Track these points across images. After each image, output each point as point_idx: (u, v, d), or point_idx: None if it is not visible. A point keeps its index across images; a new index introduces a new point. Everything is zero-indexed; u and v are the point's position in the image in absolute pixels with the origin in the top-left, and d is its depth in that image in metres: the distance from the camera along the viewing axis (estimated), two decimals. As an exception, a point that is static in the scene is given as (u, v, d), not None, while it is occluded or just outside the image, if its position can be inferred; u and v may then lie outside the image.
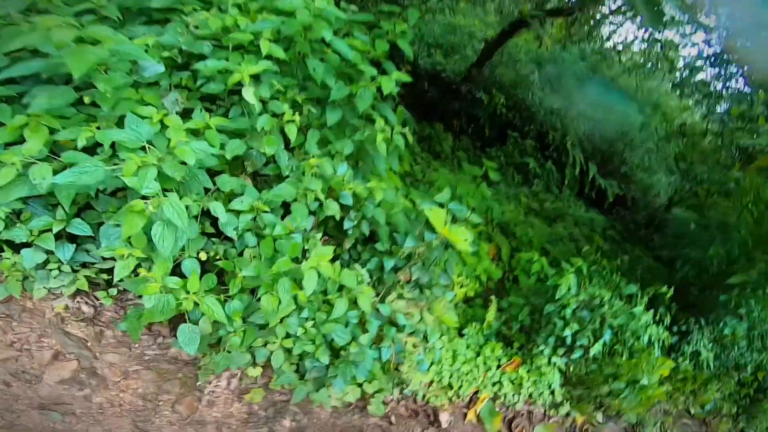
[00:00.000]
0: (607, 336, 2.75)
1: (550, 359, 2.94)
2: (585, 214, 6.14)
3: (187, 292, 1.68)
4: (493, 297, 3.25)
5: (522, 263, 3.89)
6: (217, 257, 1.95)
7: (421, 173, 4.45)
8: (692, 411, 4.17)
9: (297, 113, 1.81)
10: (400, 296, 2.44)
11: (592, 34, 7.83)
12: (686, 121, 8.82)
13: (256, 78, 1.73)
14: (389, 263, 2.28)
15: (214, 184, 1.75)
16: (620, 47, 8.28)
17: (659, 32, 6.85)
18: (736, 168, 4.54)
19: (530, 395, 3.05)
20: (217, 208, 1.68)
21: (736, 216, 3.44)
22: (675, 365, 3.61)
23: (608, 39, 8.31)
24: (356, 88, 1.93)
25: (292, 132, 1.71)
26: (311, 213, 1.96)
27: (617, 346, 2.85)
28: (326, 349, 2.12)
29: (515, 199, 5.38)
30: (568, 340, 2.79)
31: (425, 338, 2.51)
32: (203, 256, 1.93)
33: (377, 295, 2.30)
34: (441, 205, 2.36)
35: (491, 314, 3.11)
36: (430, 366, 2.55)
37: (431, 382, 2.75)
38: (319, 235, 2.04)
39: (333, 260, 2.27)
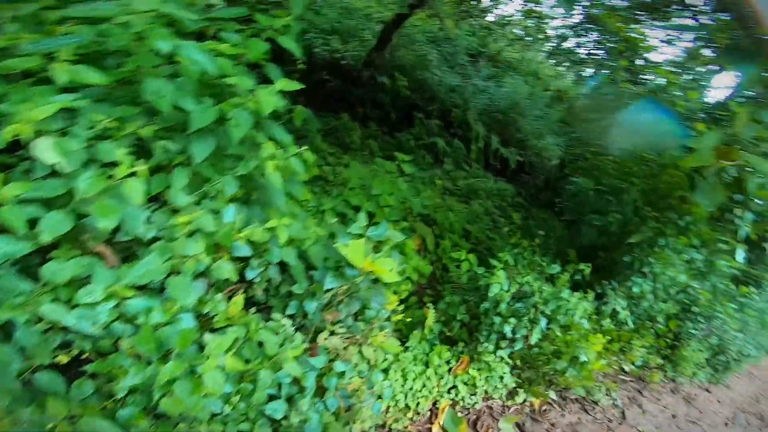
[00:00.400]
0: (543, 323, 2.83)
1: (495, 353, 2.97)
2: (494, 185, 6.37)
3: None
4: (429, 305, 3.17)
5: (450, 261, 3.83)
6: (85, 355, 1.43)
7: (333, 174, 4.11)
8: (626, 369, 4.62)
9: (142, 158, 1.30)
10: (333, 333, 2.15)
11: (479, 9, 8.04)
12: (561, 86, 9.74)
13: (69, 112, 1.16)
14: (311, 305, 1.95)
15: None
16: (504, 21, 8.64)
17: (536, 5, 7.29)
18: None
19: (486, 392, 3.11)
20: (52, 313, 1.17)
21: (624, 177, 3.74)
22: (600, 327, 3.91)
23: (493, 13, 8.63)
24: (227, 108, 1.48)
25: (134, 190, 1.22)
26: (201, 274, 1.53)
27: (552, 324, 2.96)
28: (266, 423, 1.76)
29: (430, 182, 5.34)
30: (509, 333, 2.82)
31: (370, 373, 2.26)
32: (64, 359, 1.41)
33: (305, 341, 1.96)
34: (360, 235, 2.09)
35: (430, 319, 3.01)
36: (382, 403, 2.34)
37: (388, 408, 2.62)
38: (219, 296, 1.62)
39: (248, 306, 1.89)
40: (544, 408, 3.40)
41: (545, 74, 9.94)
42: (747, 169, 1.61)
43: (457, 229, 4.52)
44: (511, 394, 3.24)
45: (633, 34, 6.02)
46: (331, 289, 1.94)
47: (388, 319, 2.54)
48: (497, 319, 2.87)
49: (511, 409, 3.21)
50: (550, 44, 8.78)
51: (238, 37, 1.83)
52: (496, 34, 8.99)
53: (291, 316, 2.01)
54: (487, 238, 4.78)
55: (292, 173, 1.75)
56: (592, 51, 7.35)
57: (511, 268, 3.13)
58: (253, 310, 1.93)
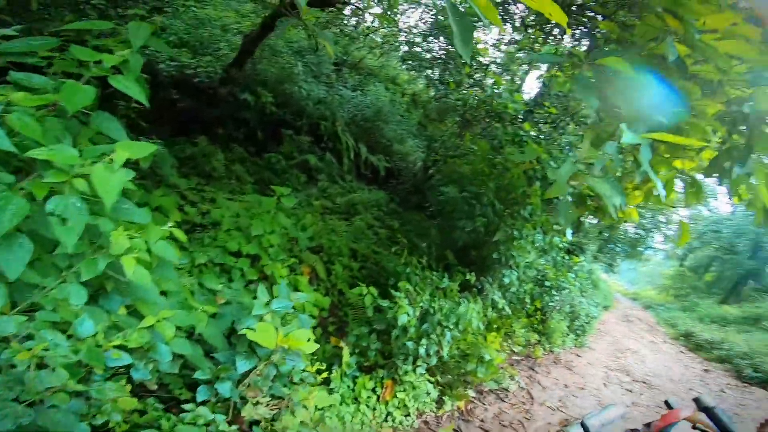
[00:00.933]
0: (448, 336, 3.10)
1: (415, 371, 3.14)
2: (369, 195, 6.58)
3: None
4: (343, 344, 3.15)
5: (346, 287, 3.86)
6: None
7: (199, 214, 3.70)
8: (516, 350, 5.27)
9: None
10: (258, 403, 1.98)
11: (341, 17, 8.11)
12: (415, 90, 10.53)
13: None
14: (225, 387, 1.76)
15: None
16: (365, 29, 8.91)
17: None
18: (467, 137, 5.61)
19: (418, 409, 3.22)
20: None
21: (482, 180, 4.29)
22: (487, 318, 4.41)
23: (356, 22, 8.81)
24: (40, 193, 1.14)
25: None
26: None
27: (456, 333, 3.28)
28: None
29: (308, 205, 5.26)
30: (423, 353, 3.02)
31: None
32: None
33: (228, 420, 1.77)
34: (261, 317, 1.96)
35: (346, 356, 3.01)
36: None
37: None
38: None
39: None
40: (469, 407, 3.65)
41: (402, 79, 10.60)
42: (588, 190, 2.01)
43: (344, 251, 4.56)
44: (439, 403, 3.41)
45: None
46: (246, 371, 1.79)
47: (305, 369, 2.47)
48: (410, 344, 3.02)
49: (444, 418, 3.38)
50: (404, 50, 9.33)
51: (45, 79, 1.44)
52: (358, 42, 9.26)
53: (204, 402, 1.80)
54: (373, 254, 4.95)
55: (160, 260, 1.51)
56: (438, 56, 8.01)
57: (410, 293, 3.31)
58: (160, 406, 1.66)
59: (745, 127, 2.29)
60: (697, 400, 1.27)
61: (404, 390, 3.16)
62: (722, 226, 24.69)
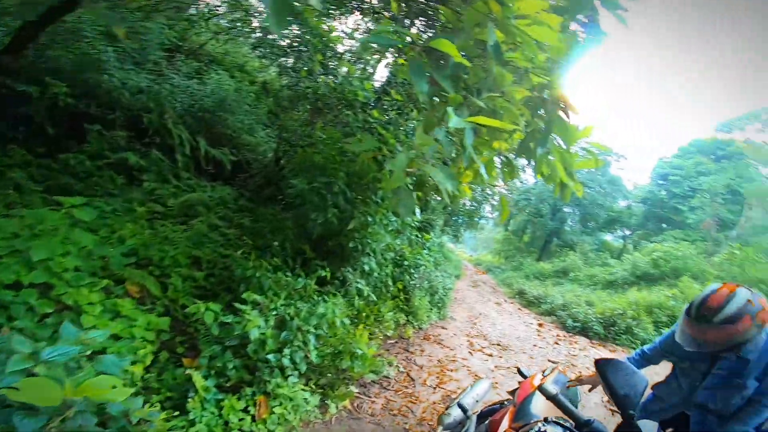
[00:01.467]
0: (312, 340, 2.83)
1: (286, 381, 2.81)
2: (212, 192, 5.86)
3: None
4: (193, 371, 2.59)
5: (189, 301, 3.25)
6: None
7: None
8: (389, 334, 5.25)
9: None
10: None
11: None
12: (266, 78, 9.88)
13: None
14: None
15: None
16: (204, 13, 7.86)
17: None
18: (318, 125, 5.40)
19: (301, 419, 2.90)
20: None
21: (333, 168, 4.15)
22: (353, 307, 4.29)
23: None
24: None
25: None
26: None
27: (320, 332, 3.03)
28: None
29: (129, 212, 4.32)
30: (288, 363, 2.68)
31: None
32: None
33: None
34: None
35: (199, 381, 2.49)
36: None
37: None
38: None
39: None
40: (356, 404, 3.46)
41: (252, 66, 9.71)
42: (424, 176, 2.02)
43: (182, 261, 3.89)
44: (323, 408, 3.15)
45: (325, 27, 6.57)
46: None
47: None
48: (272, 356, 2.69)
49: (332, 421, 3.13)
50: (256, 36, 8.58)
51: None
52: (198, 27, 8.10)
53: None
54: (221, 258, 4.36)
55: None
56: (292, 43, 7.61)
57: (261, 302, 2.95)
58: None
59: (543, 112, 2.58)
60: (542, 389, 1.34)
61: (280, 403, 2.85)
62: (530, 194, 30.38)
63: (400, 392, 3.91)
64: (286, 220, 5.02)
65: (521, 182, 30.69)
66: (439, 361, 5.09)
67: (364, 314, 4.55)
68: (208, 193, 5.78)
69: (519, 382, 2.38)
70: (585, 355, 7.24)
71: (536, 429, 1.33)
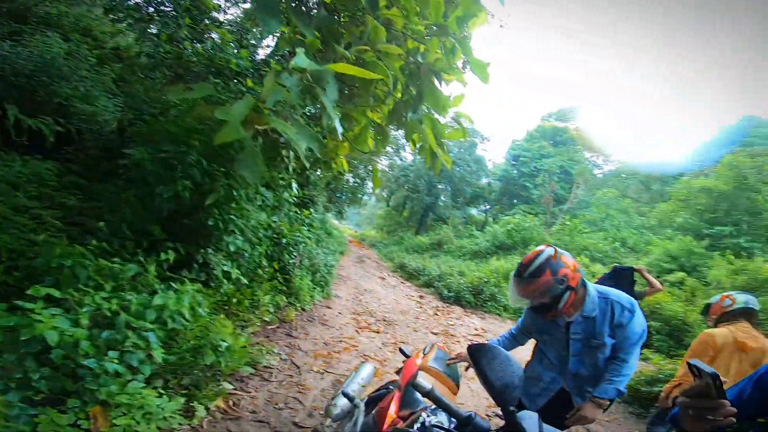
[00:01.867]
0: (152, 337, 2.19)
1: (126, 386, 2.19)
2: (22, 168, 4.47)
3: None
4: None
5: None
6: None
7: None
8: (267, 320, 4.63)
9: None
10: None
11: None
12: (120, 44, 8.18)
13: None
14: None
15: None
16: None
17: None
18: (174, 91, 4.44)
19: (159, 428, 2.31)
20: None
21: (185, 139, 3.39)
22: (220, 293, 3.64)
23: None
24: None
25: None
26: None
27: (174, 324, 2.39)
28: None
29: None
30: (121, 369, 2.01)
31: None
32: None
33: None
34: None
35: None
36: None
37: None
38: None
39: None
40: (232, 402, 2.90)
41: (102, 30, 8.04)
42: (275, 133, 1.58)
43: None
44: (189, 411, 2.56)
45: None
46: None
47: None
48: (92, 362, 2.00)
49: (204, 425, 2.58)
50: None
51: None
52: None
53: None
54: (29, 247, 3.28)
55: None
56: (158, 7, 6.32)
57: (69, 297, 2.18)
58: None
59: (418, 81, 2.40)
60: (415, 386, 1.17)
61: (124, 413, 2.22)
62: (409, 171, 32.02)
63: (284, 383, 3.51)
64: (129, 199, 4.05)
65: (401, 160, 32.10)
66: (325, 343, 4.80)
67: (234, 300, 3.96)
68: (15, 169, 4.34)
69: (402, 362, 2.30)
70: (461, 324, 7.83)
71: (421, 420, 1.20)
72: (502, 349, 1.09)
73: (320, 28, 2.18)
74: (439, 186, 33.62)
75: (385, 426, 1.49)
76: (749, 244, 14.01)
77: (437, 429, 1.13)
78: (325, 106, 1.48)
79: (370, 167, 16.74)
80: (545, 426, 1.09)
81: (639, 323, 1.94)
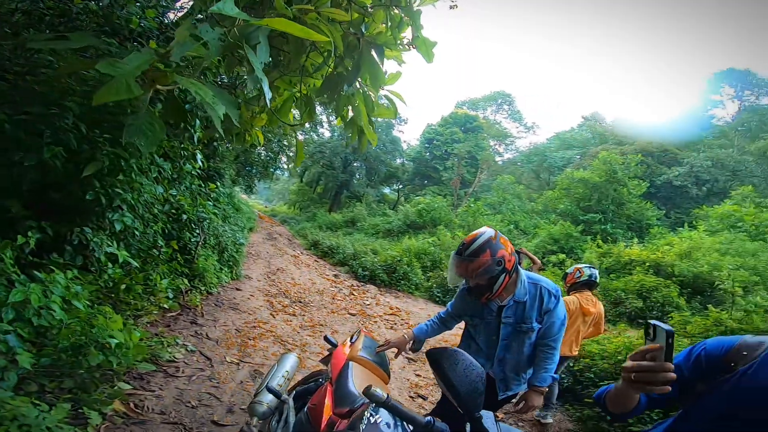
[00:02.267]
0: (13, 340, 1.72)
1: None
2: None
3: None
4: None
5: None
6: None
7: None
8: (166, 306, 3.99)
9: None
10: None
11: None
12: None
13: None
14: None
15: None
16: None
17: None
18: (39, 37, 3.49)
19: None
20: None
21: (58, 101, 2.69)
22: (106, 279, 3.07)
23: None
24: None
25: None
26: None
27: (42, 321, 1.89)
28: None
29: None
30: None
31: None
32: None
33: None
34: None
35: None
36: None
37: None
38: None
39: None
40: (134, 404, 2.45)
41: None
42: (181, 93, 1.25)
43: None
44: (80, 419, 2.13)
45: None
46: None
47: None
48: None
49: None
50: None
51: None
52: None
53: None
54: None
55: None
56: None
57: None
58: None
59: (356, 54, 2.21)
60: (370, 395, 1.05)
61: None
62: (325, 147, 31.33)
63: (194, 377, 3.10)
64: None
65: (317, 135, 31.12)
66: (237, 330, 4.38)
67: (122, 287, 3.38)
68: None
69: (328, 350, 2.25)
70: (376, 303, 7.86)
71: (366, 418, 1.10)
72: (466, 354, 1.03)
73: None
74: (355, 164, 33.54)
75: (323, 424, 1.39)
76: (614, 230, 16.58)
77: (386, 428, 1.04)
78: (254, 68, 1.19)
79: (285, 141, 15.84)
80: (501, 424, 1.07)
81: (563, 310, 2.02)
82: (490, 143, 37.41)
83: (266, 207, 42.93)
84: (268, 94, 1.14)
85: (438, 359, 0.99)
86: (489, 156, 32.79)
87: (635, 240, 14.37)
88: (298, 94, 2.49)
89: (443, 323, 2.28)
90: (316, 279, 9.02)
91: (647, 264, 11.04)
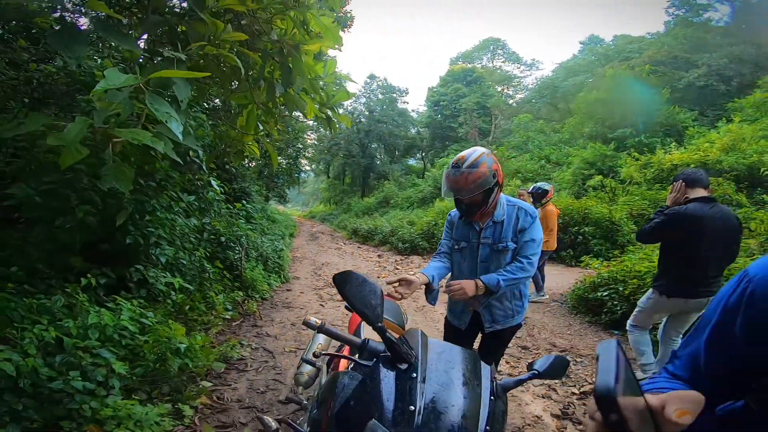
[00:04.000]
0: (106, 353, 2.08)
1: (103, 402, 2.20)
2: None
3: None
4: None
5: None
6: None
7: None
8: (228, 317, 4.38)
9: None
10: None
11: None
12: None
13: None
14: None
15: None
16: None
17: None
18: (10, 125, 3.78)
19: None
20: None
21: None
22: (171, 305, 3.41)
23: None
24: None
25: None
26: None
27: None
28: None
29: None
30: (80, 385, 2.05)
31: None
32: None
33: None
34: None
35: None
36: None
37: None
38: None
39: None
40: (215, 397, 2.89)
41: None
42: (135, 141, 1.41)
43: None
44: (177, 413, 2.55)
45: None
46: None
47: None
48: (58, 384, 2.07)
49: (196, 422, 2.54)
50: None
51: None
52: None
53: None
54: None
55: None
56: None
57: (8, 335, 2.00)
58: None
59: (281, 59, 2.29)
60: (306, 324, 1.33)
61: (117, 425, 2.21)
62: (339, 140, 31.49)
63: (260, 369, 3.48)
64: (31, 238, 3.53)
65: (327, 131, 31.11)
66: (292, 324, 4.72)
67: (186, 308, 3.77)
68: None
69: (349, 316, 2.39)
70: (417, 268, 8.01)
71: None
72: (359, 274, 1.11)
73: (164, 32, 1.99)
74: (372, 146, 33.47)
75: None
76: (650, 140, 15.42)
77: (361, 364, 1.15)
78: (179, 105, 1.34)
79: (299, 144, 16.15)
80: (431, 339, 1.15)
81: (538, 230, 2.03)
82: (497, 89, 35.82)
83: (303, 211, 44.03)
84: (177, 129, 1.27)
85: (338, 282, 1.08)
86: (499, 101, 31.45)
87: (674, 145, 13.32)
88: (258, 108, 2.61)
89: (446, 257, 2.21)
90: (360, 263, 9.29)
91: (692, 166, 10.13)
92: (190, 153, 2.99)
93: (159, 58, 1.91)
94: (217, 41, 1.74)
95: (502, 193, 2.06)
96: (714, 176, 9.04)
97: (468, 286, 1.91)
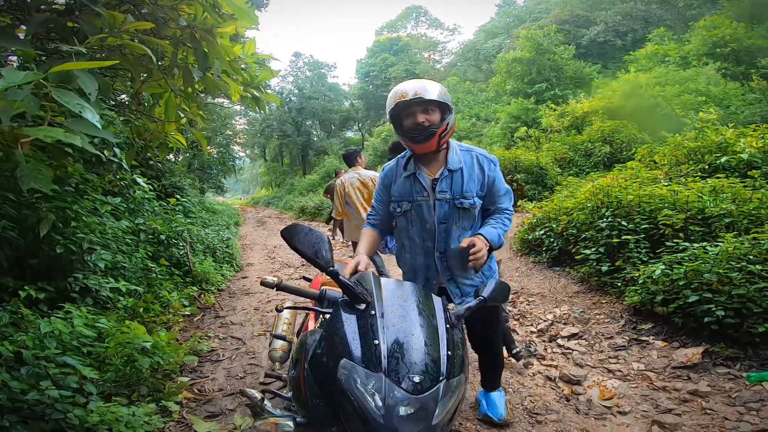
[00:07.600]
0: (72, 361, 2.07)
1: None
2: None
3: None
4: None
5: None
6: None
7: None
8: (187, 313, 4.16)
9: None
10: None
11: None
12: None
13: None
14: None
15: None
16: None
17: None
18: None
19: None
20: None
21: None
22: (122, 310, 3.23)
23: None
24: None
25: None
26: None
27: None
28: None
29: None
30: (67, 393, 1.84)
31: None
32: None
33: None
34: None
35: None
36: None
37: None
38: None
39: None
40: (196, 390, 2.83)
41: None
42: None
43: None
44: (163, 411, 2.49)
45: None
46: None
47: None
48: (34, 395, 1.93)
49: (184, 415, 2.43)
50: None
51: None
52: None
53: None
54: None
55: None
56: None
57: None
58: None
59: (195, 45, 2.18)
60: (263, 284, 1.30)
61: (107, 430, 2.14)
62: (271, 121, 30.18)
63: (234, 357, 3.46)
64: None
65: (254, 112, 29.67)
66: (255, 309, 4.66)
67: (140, 310, 3.59)
68: None
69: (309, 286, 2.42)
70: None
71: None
72: (304, 225, 1.17)
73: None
74: (307, 123, 32.50)
75: None
76: (563, 92, 16.86)
77: (323, 312, 1.21)
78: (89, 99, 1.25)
79: (229, 132, 15.24)
80: (383, 278, 1.21)
81: (503, 179, 1.75)
82: (424, 56, 36.05)
83: (244, 198, 42.09)
84: (93, 118, 1.18)
85: (286, 236, 1.15)
86: (427, 67, 31.73)
87: (583, 95, 14.63)
88: (176, 95, 2.47)
89: (375, 228, 1.85)
90: (311, 241, 9.21)
91: (601, 112, 11.47)
92: (106, 152, 2.77)
93: (55, 55, 1.75)
94: (118, 32, 1.62)
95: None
96: (620, 119, 10.19)
97: (480, 244, 1.50)
